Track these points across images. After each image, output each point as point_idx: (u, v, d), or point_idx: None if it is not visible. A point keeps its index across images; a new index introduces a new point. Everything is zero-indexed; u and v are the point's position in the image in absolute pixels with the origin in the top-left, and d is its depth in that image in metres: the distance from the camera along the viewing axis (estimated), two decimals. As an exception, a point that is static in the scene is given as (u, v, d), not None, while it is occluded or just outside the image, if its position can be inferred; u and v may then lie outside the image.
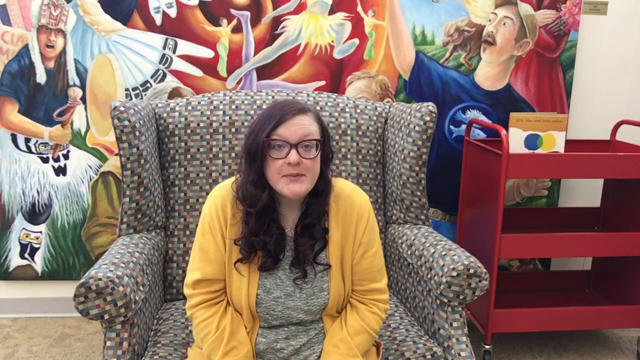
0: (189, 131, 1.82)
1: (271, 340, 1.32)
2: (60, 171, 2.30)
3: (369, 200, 1.38)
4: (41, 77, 2.22)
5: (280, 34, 2.24)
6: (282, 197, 1.29)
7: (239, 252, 1.29)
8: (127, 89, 2.25)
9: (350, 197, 1.35)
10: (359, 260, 1.34)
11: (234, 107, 1.86)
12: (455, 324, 1.52)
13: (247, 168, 1.27)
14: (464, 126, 2.36)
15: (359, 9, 2.24)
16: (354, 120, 1.91)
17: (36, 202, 2.32)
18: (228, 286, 1.32)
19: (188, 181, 1.82)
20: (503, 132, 1.94)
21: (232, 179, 1.34)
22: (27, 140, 2.27)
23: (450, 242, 1.66)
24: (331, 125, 1.89)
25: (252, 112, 1.86)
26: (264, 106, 1.85)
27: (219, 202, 1.32)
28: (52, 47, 2.20)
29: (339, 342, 1.30)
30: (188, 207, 1.82)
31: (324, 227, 1.32)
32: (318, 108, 1.89)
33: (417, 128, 1.77)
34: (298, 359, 1.33)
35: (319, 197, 1.30)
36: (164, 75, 2.25)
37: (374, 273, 1.36)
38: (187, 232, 1.81)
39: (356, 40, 2.27)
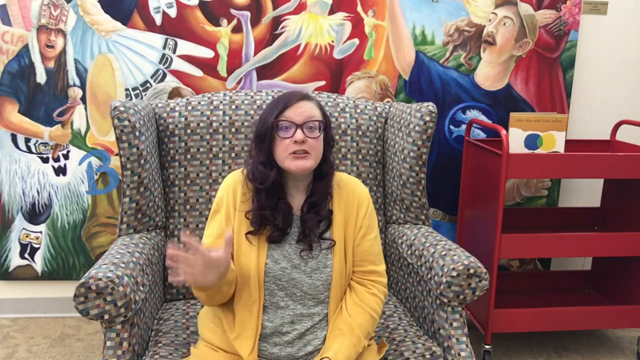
0: (189, 131, 1.82)
1: (277, 324, 1.36)
2: (60, 171, 2.30)
3: (368, 191, 1.48)
4: (41, 77, 2.22)
5: (280, 34, 2.24)
6: (289, 180, 1.40)
7: (250, 225, 1.37)
8: (127, 89, 2.25)
9: (352, 185, 1.46)
10: (360, 242, 1.42)
11: (234, 107, 1.86)
12: (455, 324, 1.52)
13: (257, 151, 1.39)
14: (464, 126, 2.36)
15: (359, 9, 2.24)
16: (354, 120, 1.91)
17: (36, 202, 2.32)
18: (236, 257, 1.37)
19: (188, 181, 1.82)
20: (503, 132, 1.94)
21: (241, 169, 1.45)
22: (27, 140, 2.27)
23: (450, 242, 1.66)
24: (331, 125, 1.88)
25: (252, 112, 1.86)
26: (264, 106, 1.84)
27: (230, 183, 1.43)
28: (52, 47, 2.20)
29: (341, 324, 1.36)
30: (188, 207, 1.82)
31: (329, 208, 1.41)
32: (318, 108, 1.89)
33: (417, 128, 1.77)
34: (302, 342, 1.37)
35: (323, 178, 1.41)
36: (164, 75, 2.25)
37: (373, 255, 1.44)
38: (187, 232, 1.81)
39: (356, 40, 2.27)
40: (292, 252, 1.38)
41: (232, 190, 1.41)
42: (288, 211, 1.38)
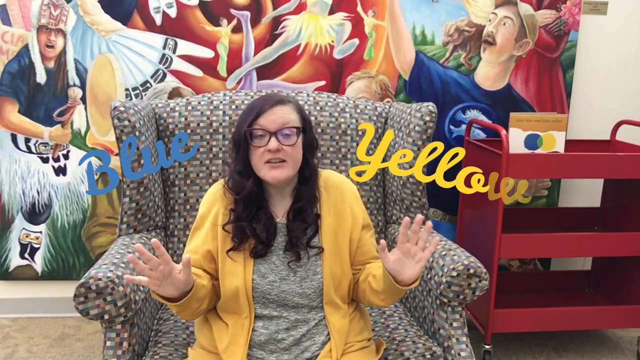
0: (189, 131, 1.82)
1: (272, 331, 1.33)
2: (60, 171, 2.30)
3: (355, 188, 1.43)
4: (41, 77, 2.22)
5: (280, 34, 2.24)
6: (271, 187, 1.35)
7: (231, 240, 1.33)
8: (127, 89, 2.25)
9: (339, 186, 1.40)
10: (365, 242, 1.39)
11: (234, 107, 1.86)
12: (455, 324, 1.52)
13: (235, 159, 1.34)
14: (464, 126, 2.36)
15: (359, 9, 2.24)
16: (354, 120, 1.91)
17: (36, 202, 2.32)
18: (222, 274, 1.33)
19: (188, 181, 1.82)
20: (503, 132, 1.94)
21: (223, 179, 1.41)
22: (27, 140, 2.27)
23: (450, 242, 1.66)
24: (331, 125, 1.89)
25: (252, 112, 1.86)
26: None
27: (211, 199, 1.39)
28: (52, 47, 2.20)
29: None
30: (188, 207, 1.82)
31: (316, 213, 1.36)
32: (318, 108, 1.89)
33: (417, 128, 1.77)
34: (299, 349, 1.34)
35: (306, 183, 1.35)
36: (164, 75, 2.25)
37: (374, 254, 1.41)
38: (187, 232, 1.81)
39: (356, 40, 2.27)
40: (280, 263, 1.33)
41: (213, 206, 1.36)
42: (269, 221, 1.33)
